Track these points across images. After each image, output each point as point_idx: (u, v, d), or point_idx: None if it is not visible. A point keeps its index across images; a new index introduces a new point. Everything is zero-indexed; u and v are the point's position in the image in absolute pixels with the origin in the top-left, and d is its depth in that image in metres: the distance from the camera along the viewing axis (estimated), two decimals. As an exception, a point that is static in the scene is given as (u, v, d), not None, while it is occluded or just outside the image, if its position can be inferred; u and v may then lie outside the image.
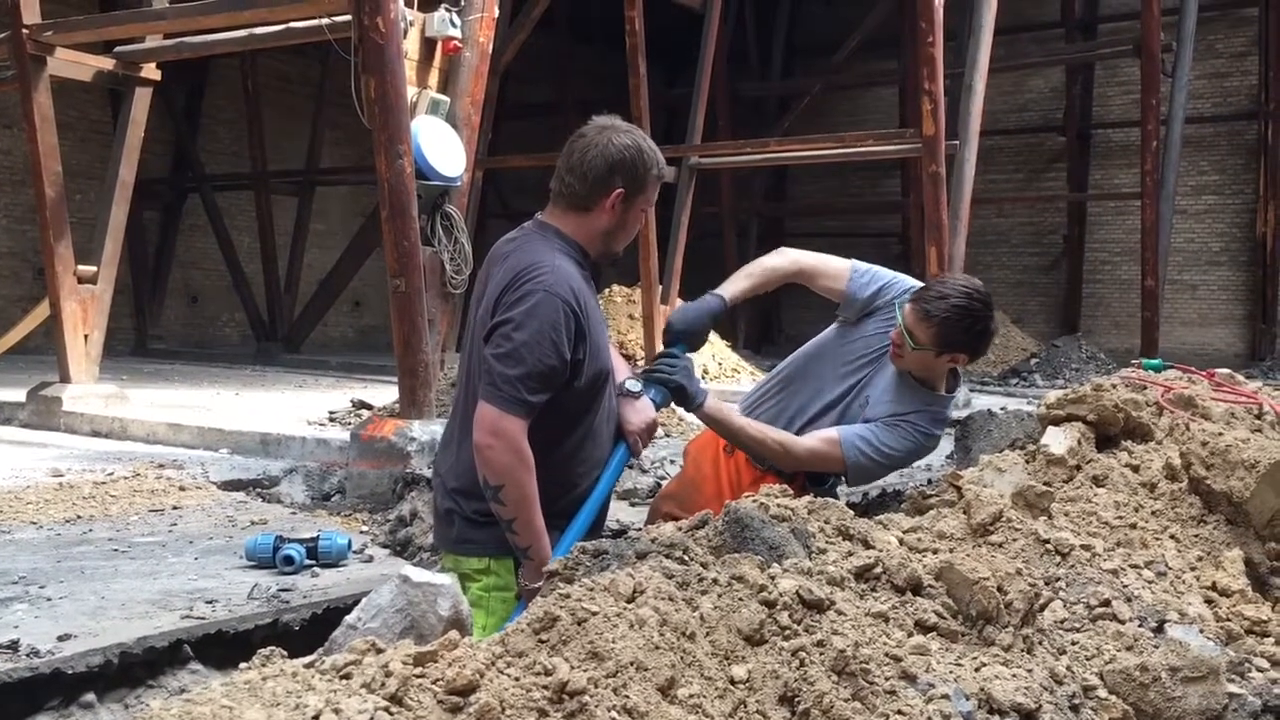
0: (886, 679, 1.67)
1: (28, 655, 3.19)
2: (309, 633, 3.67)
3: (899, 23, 19.33)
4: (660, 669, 1.49)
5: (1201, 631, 2.13)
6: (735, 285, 3.26)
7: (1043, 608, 2.04)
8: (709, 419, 3.14)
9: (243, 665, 1.40)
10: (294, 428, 8.05)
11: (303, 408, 9.58)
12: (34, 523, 5.08)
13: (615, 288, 15.85)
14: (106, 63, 9.04)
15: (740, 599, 1.74)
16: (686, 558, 1.91)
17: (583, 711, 1.38)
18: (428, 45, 6.76)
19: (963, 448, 5.53)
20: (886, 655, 1.72)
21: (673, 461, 6.84)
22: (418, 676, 1.37)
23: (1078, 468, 2.82)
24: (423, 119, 6.51)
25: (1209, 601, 2.35)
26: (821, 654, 1.66)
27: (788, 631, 1.71)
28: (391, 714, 1.29)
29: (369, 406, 8.64)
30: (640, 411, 2.77)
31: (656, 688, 1.46)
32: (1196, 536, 2.58)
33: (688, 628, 1.61)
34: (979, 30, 12.40)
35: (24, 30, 8.36)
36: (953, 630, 1.88)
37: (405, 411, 6.17)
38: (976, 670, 1.80)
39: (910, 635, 1.82)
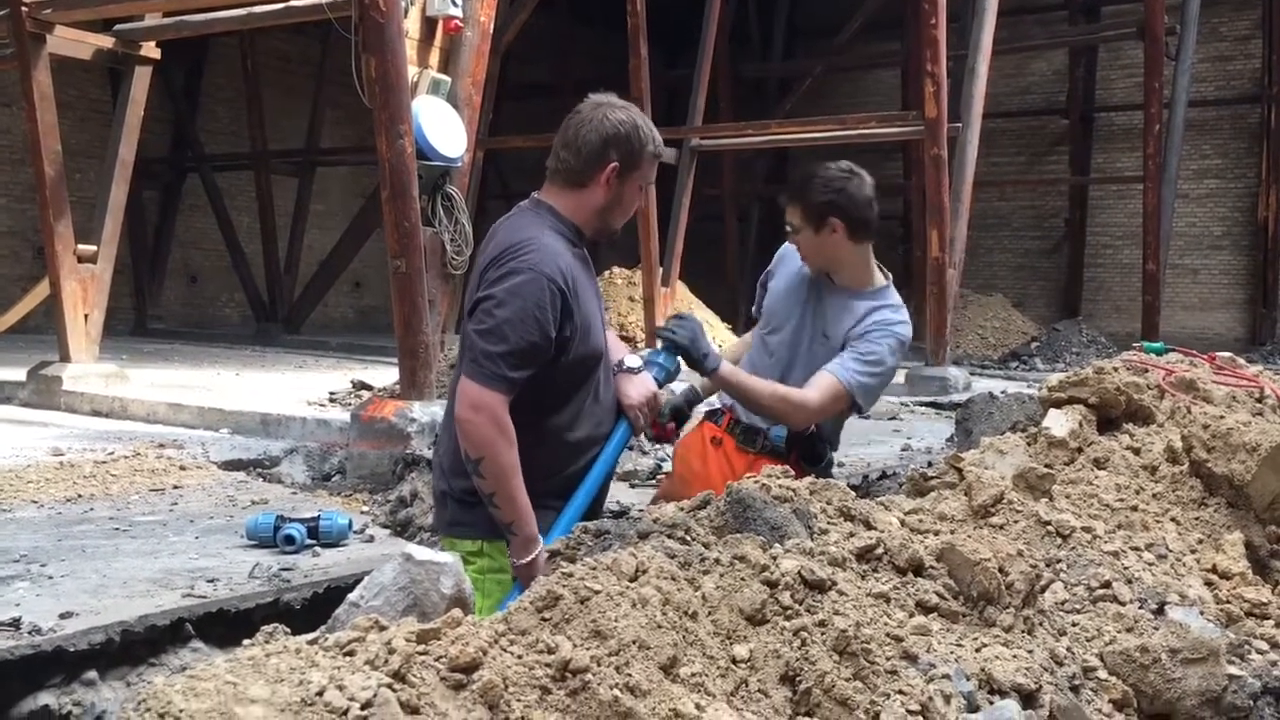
0: (888, 659, 1.68)
1: (29, 633, 3.20)
2: (310, 612, 3.69)
3: (901, 4, 19.24)
4: (663, 648, 1.49)
5: (1202, 613, 2.14)
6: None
7: (1044, 589, 2.04)
8: (723, 382, 3.06)
9: (246, 642, 1.41)
10: (294, 408, 8.05)
11: (303, 388, 9.59)
12: (35, 501, 5.09)
13: (616, 270, 15.83)
14: (106, 41, 9.01)
15: (742, 579, 1.74)
16: (688, 538, 1.92)
17: (585, 689, 1.38)
18: (429, 24, 6.74)
19: (964, 430, 5.53)
20: (888, 635, 1.73)
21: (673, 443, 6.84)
22: (421, 654, 1.37)
23: (1079, 450, 2.82)
24: (423, 99, 6.49)
25: (1209, 584, 2.35)
26: (823, 634, 1.67)
27: (789, 611, 1.71)
28: (395, 690, 1.29)
29: (369, 387, 8.65)
30: (639, 385, 2.73)
31: (659, 666, 1.47)
32: (1197, 519, 2.58)
33: (690, 607, 1.61)
34: (982, 12, 12.37)
35: (23, 8, 8.32)
36: (954, 611, 1.89)
37: (405, 392, 6.17)
38: (977, 651, 1.81)
39: (911, 616, 1.83)
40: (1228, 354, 3.86)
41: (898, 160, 21.51)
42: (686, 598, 1.62)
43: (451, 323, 9.54)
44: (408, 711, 1.29)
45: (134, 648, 3.34)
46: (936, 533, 2.16)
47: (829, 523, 2.09)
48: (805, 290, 3.24)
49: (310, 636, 1.44)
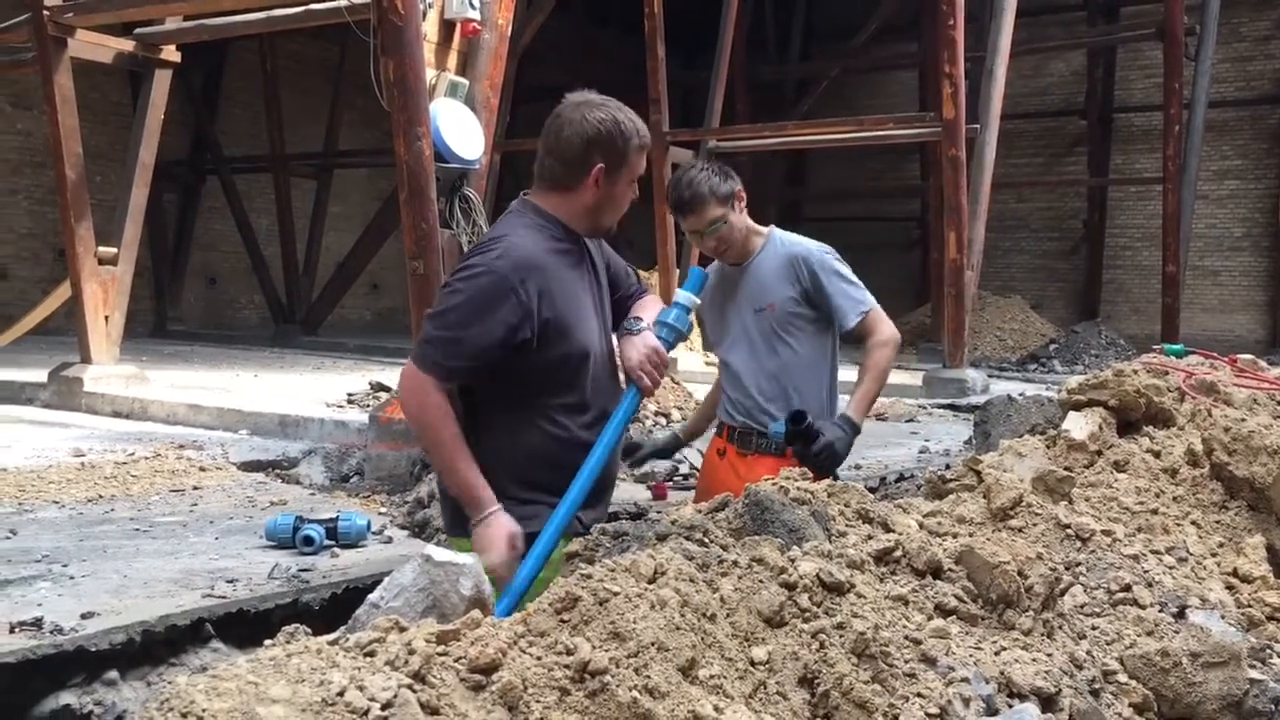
0: (906, 661, 1.67)
1: (51, 632, 3.23)
2: (329, 612, 3.70)
3: (918, 5, 19.19)
4: (681, 649, 1.49)
5: (1223, 617, 2.13)
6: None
7: (1063, 592, 2.03)
8: (864, 415, 3.27)
9: (267, 642, 1.42)
10: (312, 409, 8.08)
11: (321, 390, 9.62)
12: (56, 502, 5.13)
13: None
14: (126, 44, 9.07)
15: (760, 581, 1.74)
16: (706, 540, 1.92)
17: (604, 691, 1.39)
18: (446, 27, 6.75)
19: (982, 433, 5.51)
20: (906, 638, 1.72)
21: (690, 445, 6.83)
22: (441, 655, 1.38)
23: (1099, 453, 2.81)
24: (441, 101, 6.50)
25: (1230, 587, 2.34)
26: (841, 636, 1.67)
27: (808, 614, 1.71)
28: (415, 691, 1.30)
29: (387, 389, 8.67)
30: (638, 345, 2.63)
31: (677, 668, 1.47)
32: (1218, 522, 2.57)
33: (708, 609, 1.61)
34: (1000, 13, 12.32)
35: (45, 12, 8.39)
36: (973, 614, 1.88)
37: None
38: (996, 654, 1.80)
39: (930, 618, 1.82)
40: (1249, 356, 3.84)
41: (915, 161, 21.45)
42: (705, 600, 1.62)
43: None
44: (428, 712, 1.30)
45: (155, 648, 3.36)
46: (955, 535, 2.16)
47: (847, 525, 2.09)
48: (724, 286, 3.44)
49: (331, 637, 1.45)
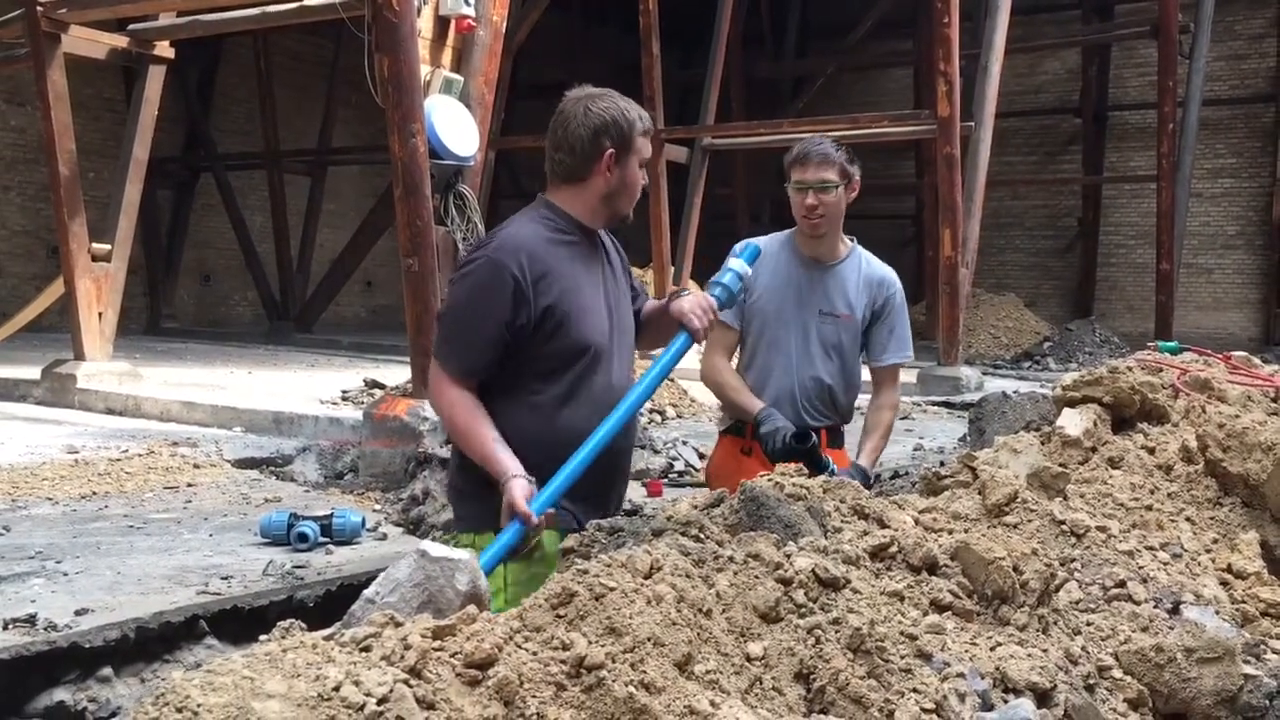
0: (902, 657, 1.67)
1: (45, 629, 3.22)
2: (323, 609, 3.70)
3: (913, 3, 19.21)
4: (677, 645, 1.49)
5: (1217, 613, 2.13)
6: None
7: (1058, 588, 2.03)
8: (873, 465, 3.36)
9: (263, 638, 1.41)
10: (307, 407, 8.08)
11: (315, 387, 9.61)
12: (50, 499, 5.12)
13: (627, 269, 15.82)
14: (120, 40, 9.04)
15: (756, 577, 1.74)
16: (702, 536, 1.92)
17: (600, 686, 1.38)
18: (441, 23, 6.74)
19: (977, 429, 5.51)
20: (902, 634, 1.72)
21: (684, 442, 6.85)
22: (436, 650, 1.38)
23: (1093, 449, 2.80)
24: (436, 98, 6.49)
25: (1224, 584, 2.34)
26: (837, 632, 1.67)
27: (803, 609, 1.71)
28: (411, 686, 1.29)
29: (382, 386, 8.66)
30: (688, 298, 2.68)
31: (674, 663, 1.47)
32: (1212, 519, 2.57)
33: (704, 604, 1.61)
34: (995, 11, 12.33)
35: (38, 8, 8.36)
36: (968, 610, 1.88)
37: (418, 391, 6.18)
38: (992, 649, 1.80)
39: (926, 614, 1.82)
40: (1243, 353, 3.84)
41: (910, 159, 21.46)
42: (701, 595, 1.62)
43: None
44: (424, 707, 1.30)
45: (149, 644, 3.36)
46: (950, 531, 2.15)
47: (843, 521, 2.09)
48: (791, 277, 3.36)
49: (326, 632, 1.45)
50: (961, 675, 1.67)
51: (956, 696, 1.63)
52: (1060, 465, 2.64)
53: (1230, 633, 2.03)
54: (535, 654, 1.42)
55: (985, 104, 12.06)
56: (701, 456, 6.72)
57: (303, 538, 4.33)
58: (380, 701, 1.26)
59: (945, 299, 11.52)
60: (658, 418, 8.49)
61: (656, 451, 6.53)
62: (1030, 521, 2.29)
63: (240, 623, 3.57)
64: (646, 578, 1.61)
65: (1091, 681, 1.85)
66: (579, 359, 2.59)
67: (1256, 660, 2.04)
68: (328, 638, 1.41)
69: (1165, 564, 2.31)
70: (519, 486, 2.40)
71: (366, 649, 1.38)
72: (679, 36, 19.76)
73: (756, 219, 21.62)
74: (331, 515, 4.48)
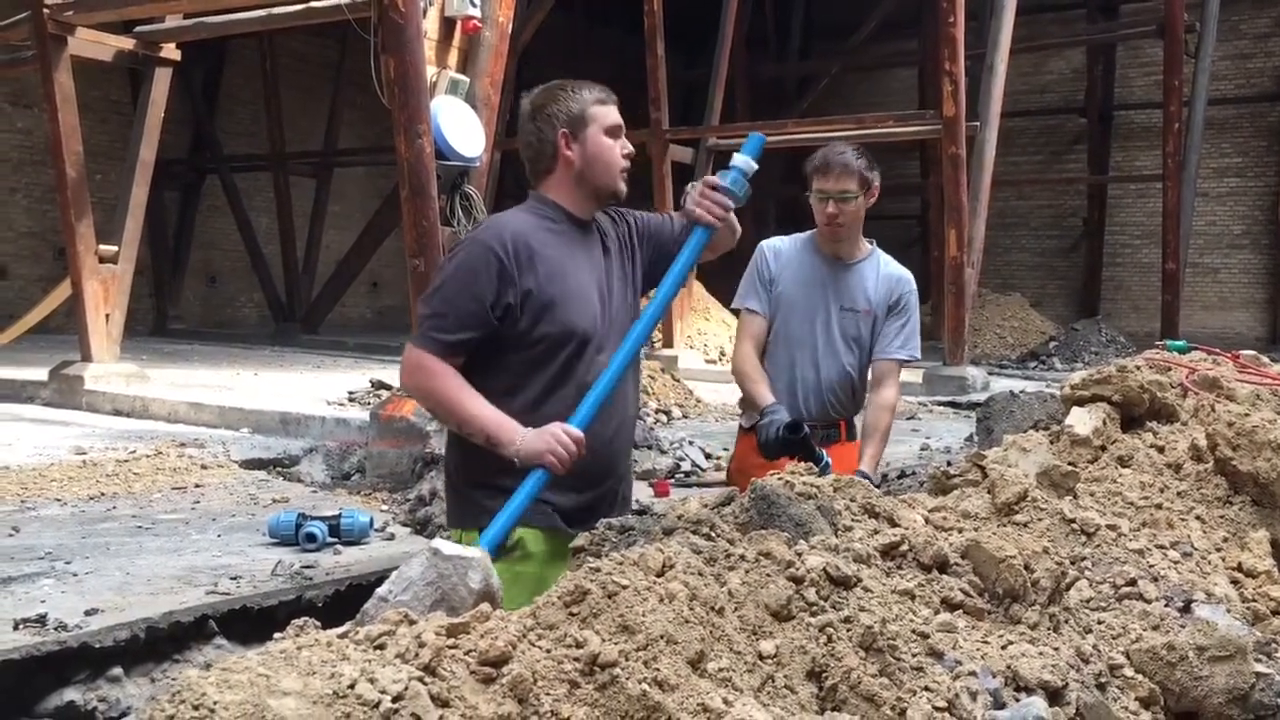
0: (913, 655, 1.67)
1: (55, 629, 3.23)
2: (332, 609, 3.70)
3: (918, 3, 19.18)
4: (690, 642, 1.49)
5: (1228, 611, 2.13)
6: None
7: (1069, 587, 2.03)
8: (874, 469, 3.37)
9: (277, 635, 1.42)
10: (313, 407, 8.09)
11: (322, 388, 9.63)
12: (58, 499, 5.13)
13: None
14: (126, 43, 9.07)
15: (767, 575, 1.74)
16: (713, 534, 1.92)
17: (614, 683, 1.39)
18: (447, 24, 6.75)
19: (985, 429, 5.50)
20: (913, 632, 1.72)
21: (691, 442, 6.85)
22: (450, 647, 1.38)
23: (1102, 448, 2.80)
24: (442, 99, 6.50)
25: (1235, 582, 2.34)
26: (849, 630, 1.67)
27: (815, 608, 1.71)
28: (425, 684, 1.30)
29: (388, 386, 8.67)
30: (692, 193, 2.73)
31: (686, 661, 1.47)
32: (1222, 517, 2.57)
33: (716, 603, 1.61)
34: (1000, 10, 12.32)
35: (45, 10, 8.39)
36: (979, 608, 1.88)
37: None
38: (1003, 648, 1.80)
39: (937, 613, 1.82)
40: (1251, 352, 3.84)
41: (915, 159, 21.44)
42: (713, 593, 1.62)
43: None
44: (438, 704, 1.30)
45: (159, 644, 3.37)
46: (961, 530, 2.15)
47: (853, 520, 2.09)
48: (813, 275, 3.51)
49: (340, 630, 1.45)
50: (973, 674, 1.67)
51: (968, 695, 1.63)
52: (1070, 464, 2.64)
53: (1242, 631, 2.03)
54: (549, 652, 1.42)
55: (990, 104, 12.05)
56: (708, 456, 6.72)
57: (311, 538, 4.33)
58: (395, 699, 1.26)
59: (951, 299, 11.51)
60: (664, 418, 8.49)
61: (663, 452, 6.53)
62: (1040, 520, 2.29)
63: (249, 623, 3.58)
64: (659, 576, 1.61)
65: (1103, 680, 1.85)
66: (565, 344, 2.55)
67: (1268, 659, 2.04)
68: (342, 636, 1.41)
69: (1176, 562, 2.31)
70: (546, 434, 2.40)
71: (381, 647, 1.38)
72: (684, 37, 19.77)
73: (761, 219, 21.62)
74: (339, 515, 4.49)
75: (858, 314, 3.47)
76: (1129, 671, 1.91)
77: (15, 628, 3.22)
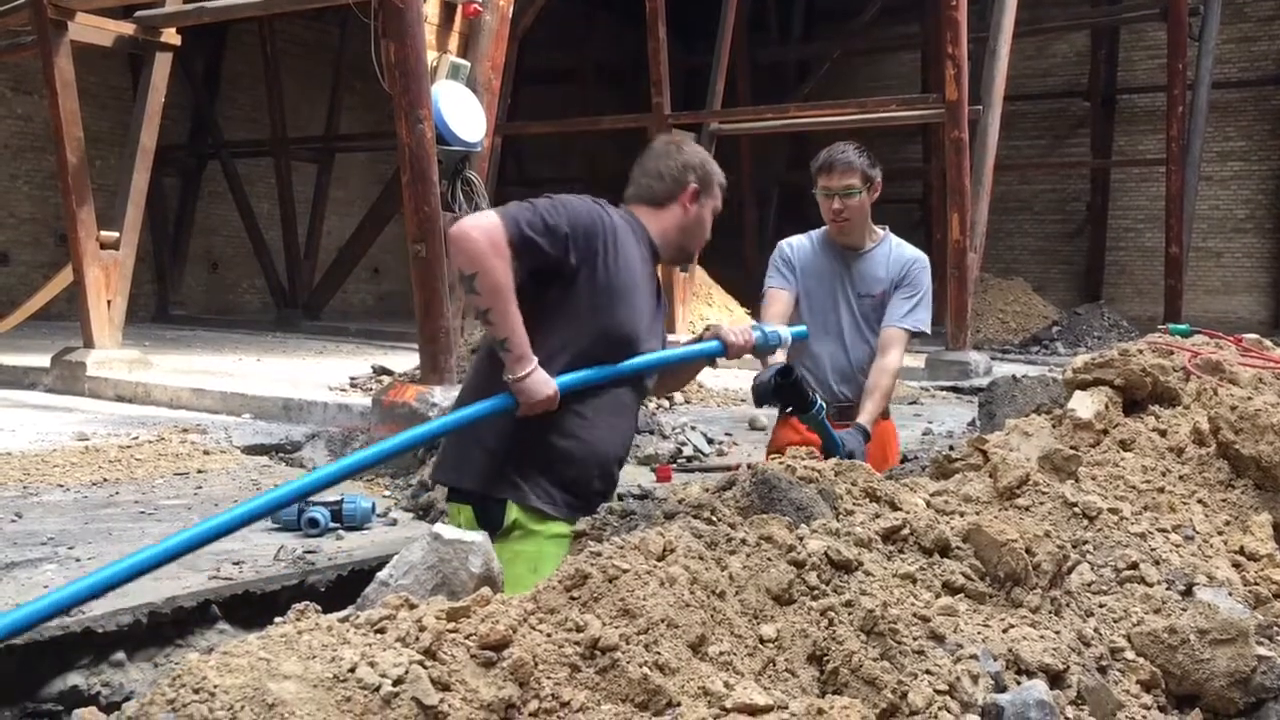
0: (915, 639, 1.68)
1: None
2: (334, 594, 3.71)
3: (921, -14, 19.09)
4: (691, 626, 1.49)
5: (1230, 594, 2.13)
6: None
7: (1070, 570, 2.03)
8: (872, 423, 3.51)
9: (278, 620, 1.42)
10: (315, 393, 8.08)
11: (324, 374, 9.63)
12: (61, 485, 5.14)
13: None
14: (127, 28, 9.04)
15: (769, 559, 1.74)
16: (714, 518, 1.92)
17: (615, 667, 1.39)
18: (447, 9, 6.73)
19: (987, 413, 5.49)
20: (914, 616, 1.72)
21: (693, 428, 6.84)
22: (451, 631, 1.38)
23: (1105, 432, 2.80)
24: (443, 84, 6.49)
25: (1237, 565, 2.33)
26: (850, 614, 1.67)
27: (816, 591, 1.71)
28: (426, 667, 1.30)
29: (390, 372, 8.67)
30: (732, 326, 2.88)
31: (687, 644, 1.47)
32: (1224, 501, 2.57)
33: (717, 587, 1.62)
34: (1003, -7, 12.25)
35: (45, -5, 8.35)
36: (980, 592, 1.88)
37: (426, 377, 6.19)
38: (1004, 631, 1.80)
39: (938, 596, 1.82)
40: (1254, 336, 3.83)
41: (918, 143, 21.37)
42: (714, 577, 1.63)
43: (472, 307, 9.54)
44: (439, 688, 1.30)
45: (161, 629, 3.38)
46: (962, 514, 2.15)
47: (854, 504, 2.09)
48: (830, 268, 3.71)
49: (341, 614, 1.45)
50: (974, 657, 1.67)
51: (969, 678, 1.63)
52: (1072, 448, 2.64)
53: (1243, 614, 2.03)
54: (549, 635, 1.42)
55: (993, 87, 12.00)
56: (710, 441, 6.72)
57: (313, 523, 4.34)
58: (396, 682, 1.27)
59: (953, 283, 11.49)
60: (666, 403, 8.49)
61: (665, 437, 6.53)
62: (1042, 504, 2.29)
63: (252, 607, 3.59)
64: (660, 560, 1.61)
65: (1104, 663, 1.85)
66: (621, 348, 2.65)
67: (1270, 642, 2.04)
68: (343, 620, 1.42)
69: (1177, 546, 2.30)
70: (548, 387, 2.51)
71: (381, 630, 1.39)
72: (685, 21, 19.67)
73: (764, 204, 21.58)
74: (341, 501, 4.49)
75: (874, 298, 3.67)
76: (1130, 655, 1.91)
77: (18, 613, 3.22)
